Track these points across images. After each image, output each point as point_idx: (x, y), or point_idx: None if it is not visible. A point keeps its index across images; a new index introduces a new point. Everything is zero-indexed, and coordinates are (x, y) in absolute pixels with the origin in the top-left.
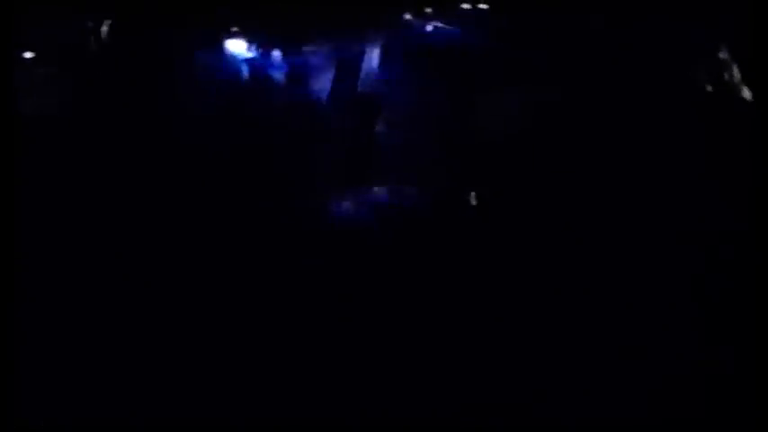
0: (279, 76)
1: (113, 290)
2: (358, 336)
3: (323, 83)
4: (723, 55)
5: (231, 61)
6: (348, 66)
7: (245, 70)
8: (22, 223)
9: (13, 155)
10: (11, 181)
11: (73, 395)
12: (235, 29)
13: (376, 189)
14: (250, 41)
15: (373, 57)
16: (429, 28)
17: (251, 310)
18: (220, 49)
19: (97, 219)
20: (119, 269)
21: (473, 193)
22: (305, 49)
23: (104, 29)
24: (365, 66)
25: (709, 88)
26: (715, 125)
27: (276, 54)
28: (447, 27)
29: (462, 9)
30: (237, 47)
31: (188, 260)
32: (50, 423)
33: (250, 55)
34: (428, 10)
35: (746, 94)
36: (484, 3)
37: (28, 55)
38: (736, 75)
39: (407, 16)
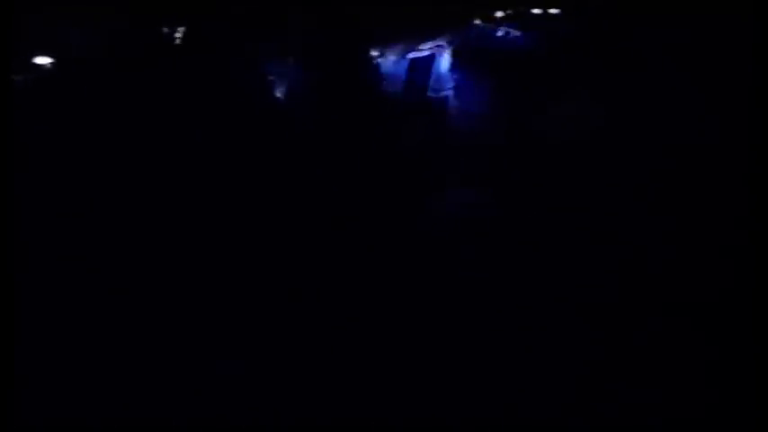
0: (351, 78)
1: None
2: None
3: (394, 85)
4: None
5: (301, 63)
6: (419, 68)
7: (316, 73)
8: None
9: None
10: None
11: (72, 394)
12: (307, 29)
13: (445, 190)
14: (322, 44)
15: (444, 60)
16: (500, 32)
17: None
18: (290, 52)
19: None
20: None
21: (540, 195)
22: (376, 51)
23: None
24: (436, 68)
25: None
26: None
27: (348, 57)
28: (517, 31)
29: (532, 14)
30: (309, 50)
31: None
32: (50, 423)
33: (323, 57)
34: (498, 14)
35: None
36: (554, 7)
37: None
38: None
39: (478, 20)
